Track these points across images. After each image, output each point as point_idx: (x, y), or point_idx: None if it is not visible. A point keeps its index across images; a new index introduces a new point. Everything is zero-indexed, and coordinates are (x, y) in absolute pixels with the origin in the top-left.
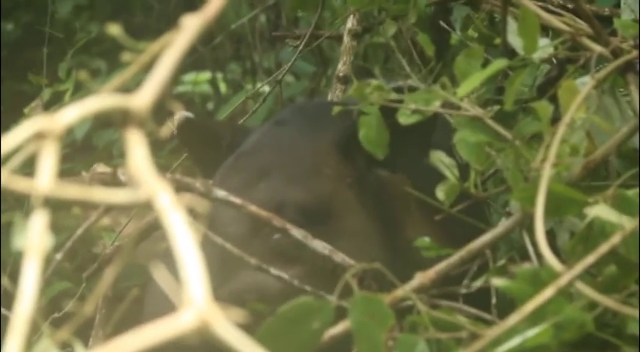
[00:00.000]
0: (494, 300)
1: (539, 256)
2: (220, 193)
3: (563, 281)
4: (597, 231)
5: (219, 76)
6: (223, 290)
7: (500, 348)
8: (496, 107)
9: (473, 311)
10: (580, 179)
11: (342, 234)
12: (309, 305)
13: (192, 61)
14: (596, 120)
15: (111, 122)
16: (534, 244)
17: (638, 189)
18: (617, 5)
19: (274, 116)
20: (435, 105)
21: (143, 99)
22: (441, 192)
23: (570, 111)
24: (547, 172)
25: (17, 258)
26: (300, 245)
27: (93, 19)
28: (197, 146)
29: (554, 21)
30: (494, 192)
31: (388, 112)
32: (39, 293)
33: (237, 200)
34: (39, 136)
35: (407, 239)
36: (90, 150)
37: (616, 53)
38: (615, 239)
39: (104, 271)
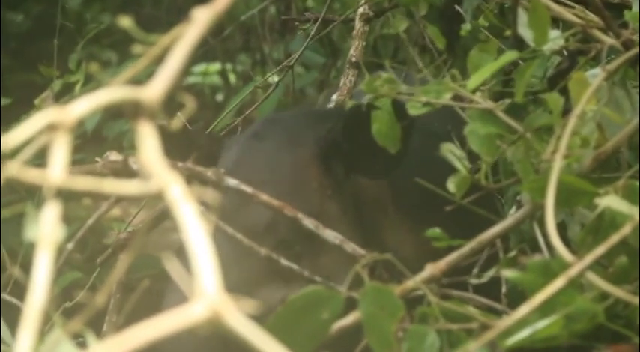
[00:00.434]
0: (504, 289)
1: (550, 247)
2: (232, 182)
3: (573, 272)
4: (608, 222)
5: (229, 67)
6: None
7: (510, 339)
8: (507, 100)
9: (484, 300)
10: (590, 170)
11: (333, 247)
12: (318, 294)
13: (202, 52)
14: (607, 112)
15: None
16: (545, 235)
17: None
18: None
19: (250, 129)
20: (446, 98)
21: (154, 91)
22: (451, 184)
23: (581, 103)
24: (558, 164)
25: (28, 249)
26: (291, 263)
27: (104, 10)
28: (172, 154)
29: (565, 13)
30: (505, 184)
31: (362, 121)
32: (51, 285)
33: (248, 189)
34: (51, 128)
35: (385, 240)
36: (100, 141)
37: (627, 45)
38: (626, 230)
39: (117, 257)
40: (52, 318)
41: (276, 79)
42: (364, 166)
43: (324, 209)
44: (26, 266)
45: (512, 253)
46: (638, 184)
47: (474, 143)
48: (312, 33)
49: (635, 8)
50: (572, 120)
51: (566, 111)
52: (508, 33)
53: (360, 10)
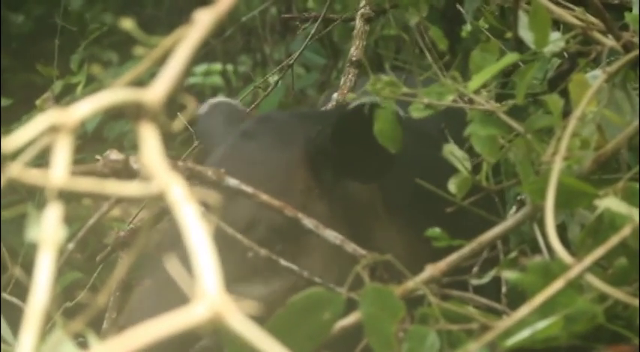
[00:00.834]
0: (504, 290)
1: (550, 248)
2: (232, 181)
3: (573, 273)
4: (607, 224)
5: (230, 67)
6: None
7: (510, 340)
8: (510, 102)
9: (484, 301)
10: (590, 172)
11: (314, 247)
12: (319, 295)
13: (203, 53)
14: (607, 113)
15: (122, 114)
16: (545, 236)
17: None
18: None
19: (241, 128)
20: (448, 99)
21: (156, 93)
22: (453, 185)
23: (581, 105)
24: (558, 165)
25: (29, 249)
26: (274, 261)
27: (105, 10)
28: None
29: (566, 15)
30: (506, 185)
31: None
32: (53, 285)
33: (248, 189)
34: (53, 130)
35: (375, 242)
36: (101, 141)
37: (627, 47)
38: (625, 231)
39: (117, 255)
40: (53, 318)
41: (276, 78)
42: (353, 171)
43: (309, 210)
44: (27, 267)
45: (513, 254)
46: (637, 186)
47: (477, 144)
48: (313, 32)
49: (635, 10)
50: (572, 122)
51: (566, 113)
52: (509, 35)
53: (361, 10)
